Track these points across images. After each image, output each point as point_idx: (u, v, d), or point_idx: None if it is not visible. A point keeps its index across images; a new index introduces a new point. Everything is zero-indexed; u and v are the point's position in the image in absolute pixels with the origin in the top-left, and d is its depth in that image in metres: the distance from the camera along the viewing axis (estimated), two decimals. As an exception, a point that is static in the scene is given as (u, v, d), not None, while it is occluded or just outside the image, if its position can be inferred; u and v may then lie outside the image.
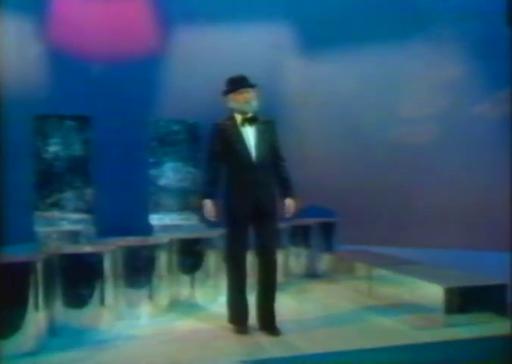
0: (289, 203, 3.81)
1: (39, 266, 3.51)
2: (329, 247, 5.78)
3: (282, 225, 5.15)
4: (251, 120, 3.74)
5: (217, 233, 4.57)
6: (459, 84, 7.03)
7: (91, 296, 3.81)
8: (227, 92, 3.77)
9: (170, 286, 4.46)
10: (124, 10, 7.92)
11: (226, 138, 3.70)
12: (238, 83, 3.74)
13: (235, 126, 3.73)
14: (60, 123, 5.71)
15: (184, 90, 7.38)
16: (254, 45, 7.60)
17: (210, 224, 4.28)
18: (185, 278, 4.58)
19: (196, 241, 4.67)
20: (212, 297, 4.60)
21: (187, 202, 6.27)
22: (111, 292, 3.95)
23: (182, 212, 6.28)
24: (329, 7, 7.34)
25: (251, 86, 3.75)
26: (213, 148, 3.75)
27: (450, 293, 3.83)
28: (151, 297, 4.21)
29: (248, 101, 3.71)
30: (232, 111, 3.78)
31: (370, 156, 7.36)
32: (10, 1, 7.00)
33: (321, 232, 5.79)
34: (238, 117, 3.75)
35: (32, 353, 3.34)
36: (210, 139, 3.79)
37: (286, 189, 3.81)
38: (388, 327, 3.89)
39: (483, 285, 3.97)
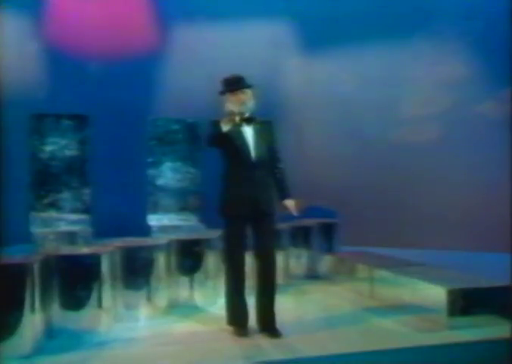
0: (290, 203, 3.78)
1: (36, 267, 3.47)
2: (329, 248, 5.76)
3: (282, 226, 5.14)
4: (248, 120, 3.71)
5: (216, 234, 4.53)
6: (461, 83, 7.01)
7: (88, 297, 3.77)
8: (222, 93, 3.74)
9: (168, 287, 4.43)
10: (123, 8, 7.89)
11: (226, 134, 3.63)
12: (233, 84, 3.71)
13: (234, 124, 3.68)
14: (57, 122, 5.66)
15: (183, 89, 7.36)
16: (254, 43, 7.59)
17: (210, 225, 4.24)
18: (184, 280, 4.55)
19: (195, 242, 4.64)
20: (211, 299, 4.56)
21: (186, 202, 6.23)
22: (109, 294, 3.92)
23: (180, 213, 6.24)
24: (329, 6, 7.31)
25: (247, 86, 3.71)
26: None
27: (452, 294, 3.80)
28: (149, 299, 4.18)
29: (242, 102, 3.68)
30: (229, 111, 3.74)
31: (371, 156, 7.34)
32: (8, 0, 6.97)
33: (322, 233, 5.77)
34: (236, 117, 3.70)
35: (28, 356, 3.29)
36: (209, 130, 3.66)
37: (283, 191, 3.79)
38: (390, 329, 3.85)
39: (486, 287, 3.93)
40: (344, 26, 7.30)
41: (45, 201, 5.58)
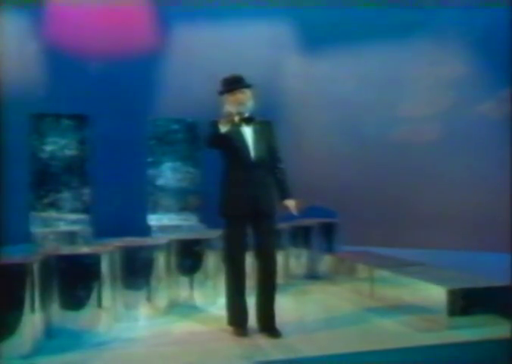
0: (290, 204, 3.78)
1: (36, 267, 3.47)
2: (329, 248, 5.75)
3: (282, 226, 5.14)
4: (247, 120, 3.71)
5: (216, 234, 4.52)
6: (461, 83, 7.01)
7: (88, 297, 3.77)
8: (221, 94, 3.74)
9: (168, 287, 4.41)
10: (123, 8, 7.88)
11: (225, 134, 3.63)
12: (231, 84, 3.70)
13: (233, 124, 3.68)
14: (57, 122, 5.67)
15: (183, 88, 7.36)
16: (254, 43, 7.59)
17: (210, 225, 4.23)
18: (184, 280, 4.54)
19: (195, 242, 4.63)
20: (211, 299, 4.56)
21: (186, 202, 6.23)
22: (109, 294, 3.91)
23: (180, 213, 6.24)
24: (329, 5, 7.31)
25: (245, 86, 3.70)
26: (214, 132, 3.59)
27: (453, 294, 3.79)
28: (149, 299, 4.17)
29: (241, 102, 3.67)
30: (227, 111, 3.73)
31: (372, 156, 7.34)
32: (9, 0, 6.97)
33: (322, 233, 5.76)
34: (235, 118, 3.70)
35: (28, 356, 3.29)
36: (209, 130, 3.64)
37: (284, 192, 3.79)
38: (390, 329, 3.85)
39: (486, 287, 3.92)
40: (344, 26, 7.30)
41: (45, 201, 5.58)
